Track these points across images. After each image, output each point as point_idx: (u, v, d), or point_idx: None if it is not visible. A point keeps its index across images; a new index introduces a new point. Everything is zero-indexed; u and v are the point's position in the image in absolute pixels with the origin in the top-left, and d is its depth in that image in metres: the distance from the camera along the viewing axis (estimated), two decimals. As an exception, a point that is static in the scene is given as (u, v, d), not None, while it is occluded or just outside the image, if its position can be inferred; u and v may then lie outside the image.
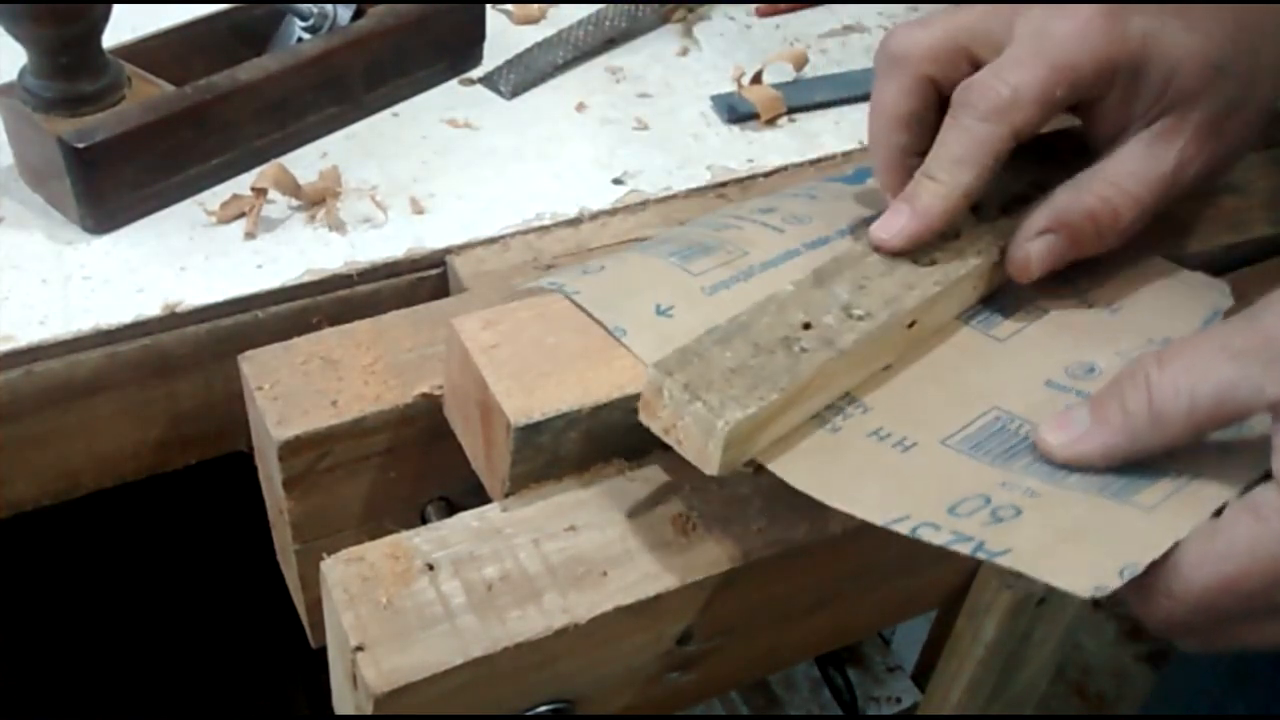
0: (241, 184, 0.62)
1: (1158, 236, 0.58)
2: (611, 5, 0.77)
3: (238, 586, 1.17)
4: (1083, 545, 0.38)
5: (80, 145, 0.56)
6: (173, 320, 0.55)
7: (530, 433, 0.43)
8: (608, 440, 0.46)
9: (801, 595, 0.48)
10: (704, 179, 0.66)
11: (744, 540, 0.45)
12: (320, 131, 0.66)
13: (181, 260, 0.58)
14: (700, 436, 0.40)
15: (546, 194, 0.64)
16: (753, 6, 0.82)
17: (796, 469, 0.42)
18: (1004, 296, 0.51)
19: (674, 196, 0.65)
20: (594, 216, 0.63)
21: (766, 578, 0.46)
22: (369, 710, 0.39)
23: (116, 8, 0.57)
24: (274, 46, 0.68)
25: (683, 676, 0.48)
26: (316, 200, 0.61)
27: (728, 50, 0.78)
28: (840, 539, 0.46)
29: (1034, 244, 0.48)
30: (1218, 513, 0.38)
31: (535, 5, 0.78)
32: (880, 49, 0.51)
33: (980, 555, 0.38)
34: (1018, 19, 0.48)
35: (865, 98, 0.73)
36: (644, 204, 0.64)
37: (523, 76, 0.72)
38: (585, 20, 0.76)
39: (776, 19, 0.82)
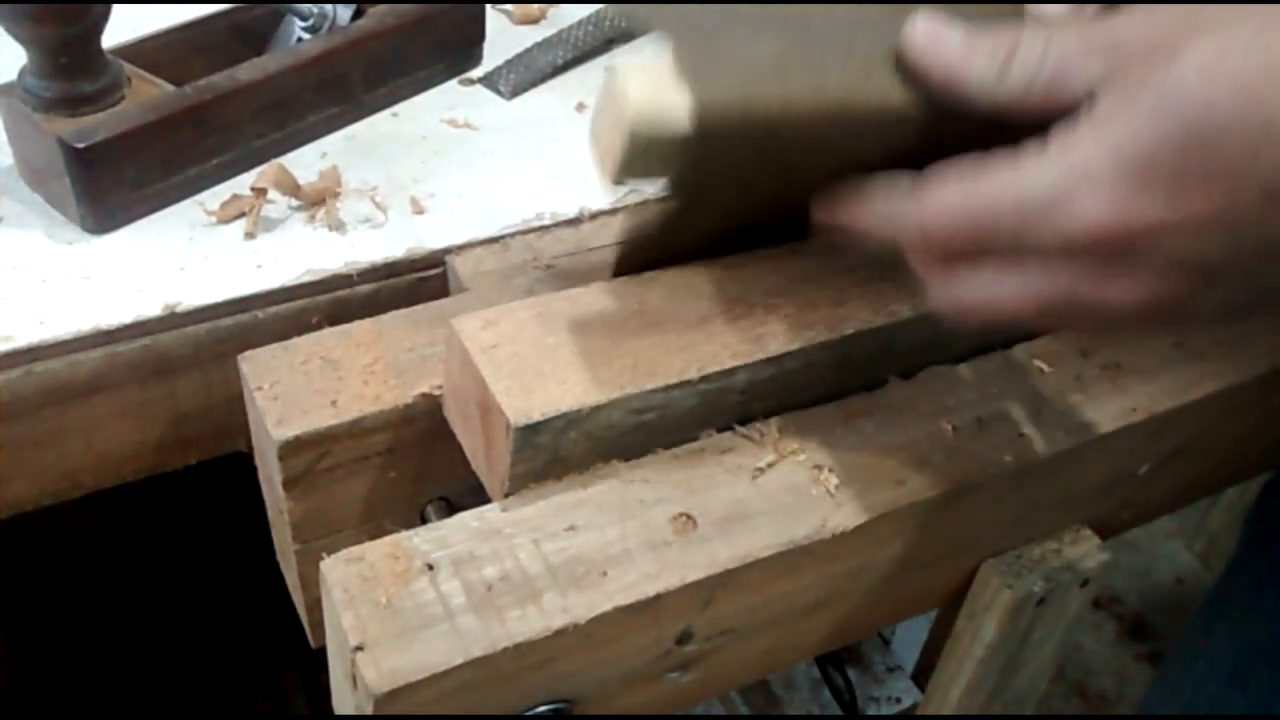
0: (241, 184, 0.62)
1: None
2: (611, 5, 0.77)
3: (238, 586, 1.17)
4: None
5: (80, 145, 0.56)
6: (172, 320, 0.55)
7: (530, 433, 0.43)
8: (607, 440, 0.46)
9: (801, 595, 0.48)
10: (704, 179, 0.66)
11: (744, 540, 0.45)
12: (320, 131, 0.66)
13: (181, 260, 0.58)
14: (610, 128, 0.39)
15: (546, 194, 0.64)
16: (753, 6, 0.82)
17: None
18: None
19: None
20: (594, 216, 0.63)
21: (766, 578, 0.46)
22: (369, 710, 0.39)
23: (116, 8, 0.57)
24: (274, 46, 0.68)
25: (682, 676, 0.48)
26: (316, 200, 0.61)
27: (728, 50, 0.78)
28: (839, 538, 0.46)
29: None
30: None
31: (535, 5, 0.78)
32: None
33: None
34: None
35: (865, 98, 0.73)
36: (644, 204, 0.64)
37: (523, 76, 0.72)
38: (585, 20, 0.76)
39: (776, 19, 0.82)
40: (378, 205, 0.62)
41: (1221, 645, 0.73)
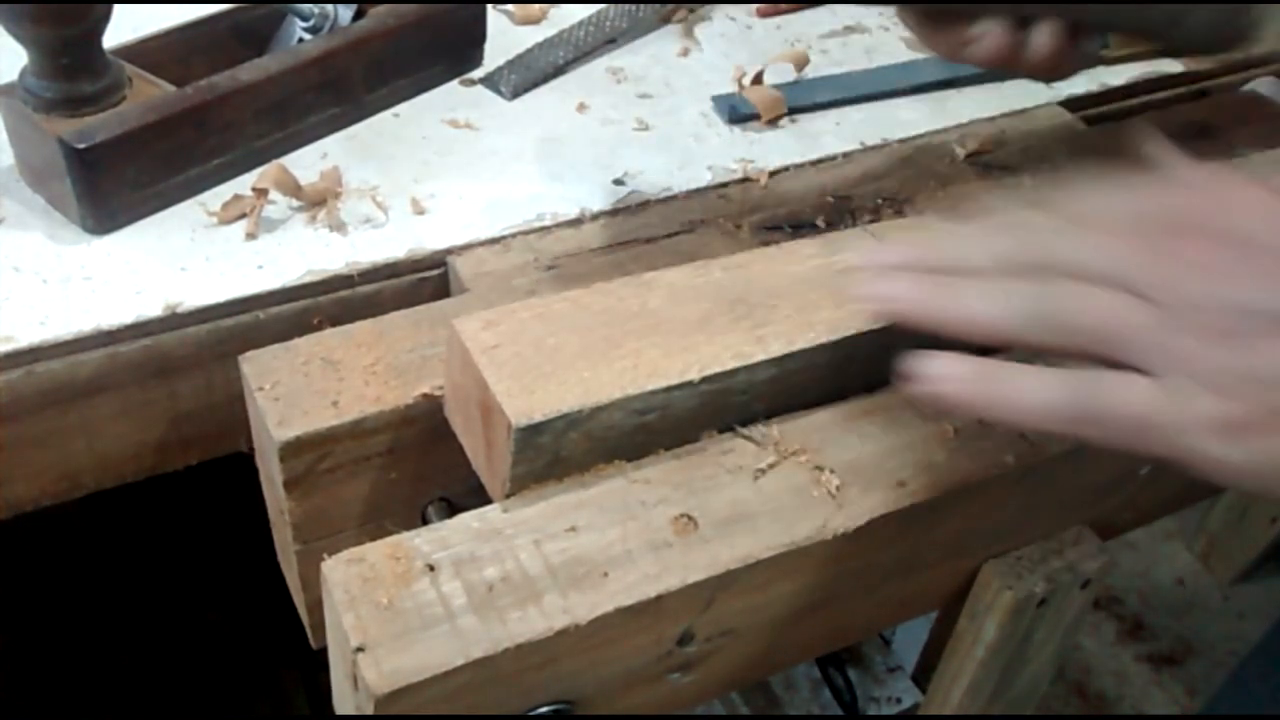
0: (242, 184, 0.62)
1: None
2: (612, 5, 0.77)
3: (238, 586, 1.17)
4: None
5: (81, 146, 0.56)
6: (173, 321, 0.55)
7: (531, 433, 0.43)
8: (608, 441, 0.46)
9: (801, 595, 0.48)
10: (705, 179, 0.66)
11: (744, 540, 0.45)
12: (321, 132, 0.66)
13: (182, 261, 0.58)
14: None
15: (547, 194, 0.64)
16: (753, 7, 0.82)
17: None
18: None
19: (675, 197, 0.65)
20: (595, 217, 0.63)
21: (767, 579, 0.46)
22: (369, 711, 0.39)
23: (117, 8, 0.57)
24: (275, 47, 0.68)
25: (683, 677, 0.48)
26: (317, 201, 0.61)
27: (729, 51, 0.78)
28: (840, 539, 0.46)
29: None
30: None
31: (536, 6, 0.78)
32: None
33: None
34: None
35: (865, 98, 0.74)
36: (645, 204, 0.64)
37: (523, 77, 0.72)
38: (586, 21, 0.76)
39: (777, 19, 0.82)
40: (379, 206, 0.62)
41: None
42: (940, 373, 0.39)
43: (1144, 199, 0.39)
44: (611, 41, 0.77)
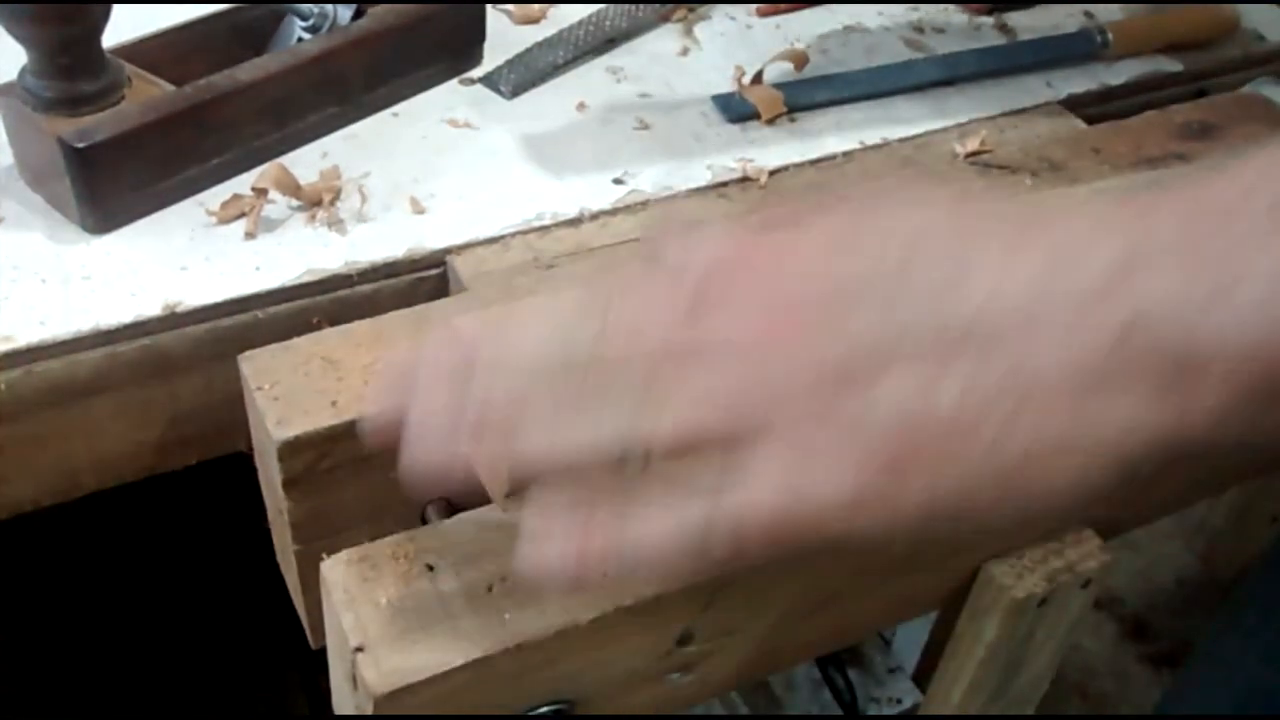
0: (242, 184, 0.62)
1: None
2: (612, 5, 0.77)
3: (238, 587, 1.17)
4: None
5: (80, 145, 0.56)
6: (173, 320, 0.55)
7: (531, 433, 0.43)
8: (608, 441, 0.46)
9: (801, 595, 0.48)
10: (704, 179, 0.66)
11: (745, 541, 0.44)
12: (320, 131, 0.66)
13: (182, 260, 0.58)
14: None
15: (547, 194, 0.64)
16: (753, 6, 0.82)
17: None
18: None
19: (674, 196, 0.65)
20: (594, 216, 0.63)
21: (767, 578, 0.46)
22: (369, 711, 0.39)
23: (116, 8, 0.57)
24: (274, 46, 0.68)
25: (683, 677, 0.48)
26: (316, 200, 0.61)
27: (728, 50, 0.78)
28: (842, 540, 0.46)
29: None
30: None
31: (536, 5, 0.78)
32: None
33: None
34: None
35: (866, 97, 0.74)
36: (644, 204, 0.64)
37: (523, 76, 0.72)
38: (586, 20, 0.76)
39: (777, 19, 0.82)
40: (378, 205, 0.62)
41: (1256, 627, 0.73)
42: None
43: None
44: (611, 41, 0.77)
